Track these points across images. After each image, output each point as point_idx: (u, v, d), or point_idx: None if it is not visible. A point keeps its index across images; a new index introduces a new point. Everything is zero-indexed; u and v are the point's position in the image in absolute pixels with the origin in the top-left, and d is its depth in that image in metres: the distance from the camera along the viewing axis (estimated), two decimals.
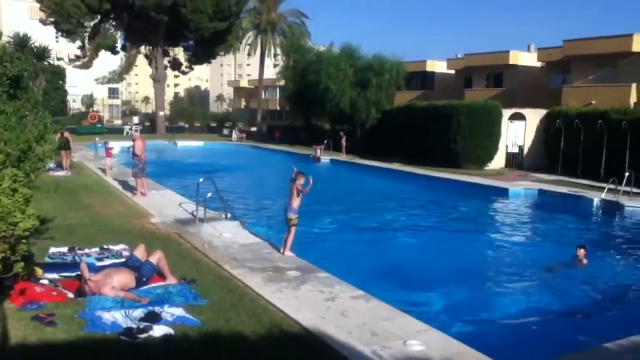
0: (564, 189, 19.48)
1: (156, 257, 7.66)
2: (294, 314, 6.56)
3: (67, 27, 43.78)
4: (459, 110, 25.84)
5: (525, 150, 26.92)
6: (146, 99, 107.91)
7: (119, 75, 55.93)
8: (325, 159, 29.99)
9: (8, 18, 70.56)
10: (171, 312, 6.47)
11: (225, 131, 50.53)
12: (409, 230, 14.25)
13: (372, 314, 6.68)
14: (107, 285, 6.91)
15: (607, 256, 12.08)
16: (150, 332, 5.88)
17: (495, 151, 25.94)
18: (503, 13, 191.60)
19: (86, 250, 9.05)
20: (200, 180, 12.42)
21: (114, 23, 47.69)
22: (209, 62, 57.37)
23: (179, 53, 53.28)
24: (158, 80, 49.03)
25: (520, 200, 18.94)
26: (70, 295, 6.93)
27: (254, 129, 52.68)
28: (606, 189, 17.35)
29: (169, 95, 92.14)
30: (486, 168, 25.72)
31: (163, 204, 14.02)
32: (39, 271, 7.44)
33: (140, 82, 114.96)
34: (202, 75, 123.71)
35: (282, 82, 45.72)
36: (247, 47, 55.67)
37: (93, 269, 7.60)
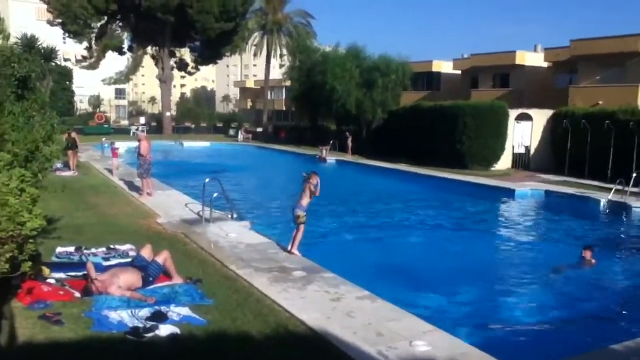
0: (570, 190, 19.40)
1: (162, 257, 7.68)
2: (299, 314, 6.56)
3: (74, 28, 44.00)
4: (465, 111, 25.77)
5: (532, 151, 26.82)
6: (152, 100, 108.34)
7: (125, 76, 56.11)
8: (331, 159, 29.97)
9: (16, 19, 70.87)
10: (177, 311, 6.49)
11: (232, 131, 50.59)
12: (415, 230, 14.24)
13: (378, 315, 6.67)
14: (113, 285, 6.94)
15: (614, 257, 12.03)
16: (157, 332, 5.90)
17: (501, 152, 25.85)
18: (509, 13, 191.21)
19: (93, 250, 9.09)
20: (207, 180, 12.44)
21: (120, 24, 47.88)
22: (215, 63, 57.49)
23: (185, 54, 53.43)
24: (164, 80, 49.17)
25: (526, 201, 18.87)
26: (77, 294, 6.97)
27: (259, 129, 52.71)
28: (613, 190, 17.26)
29: (175, 96, 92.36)
30: (492, 169, 25.64)
31: (169, 204, 14.06)
32: (46, 270, 7.48)
33: (146, 83, 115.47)
34: (208, 76, 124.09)
35: (288, 83, 45.78)
36: (253, 47, 55.79)
37: (100, 268, 7.63)
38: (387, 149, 30.60)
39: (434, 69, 44.58)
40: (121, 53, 50.40)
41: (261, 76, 68.65)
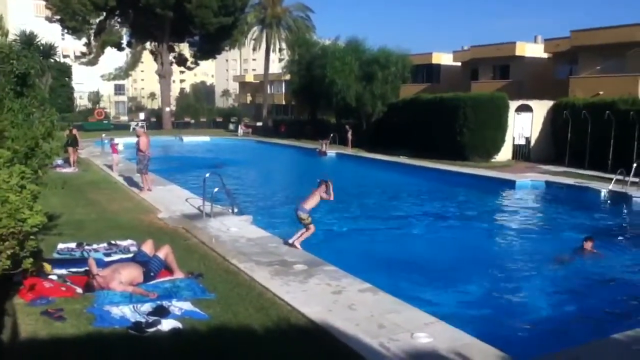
0: (571, 181, 19.39)
1: (164, 252, 7.69)
2: (301, 307, 6.58)
3: (72, 25, 43.93)
4: (466, 103, 25.71)
5: (532, 142, 26.80)
6: (152, 95, 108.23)
7: (124, 72, 56.13)
8: (331, 152, 29.98)
9: (14, 16, 70.76)
10: (179, 306, 6.50)
11: (231, 126, 50.56)
12: (415, 223, 14.26)
13: (379, 307, 6.68)
14: (115, 280, 6.96)
15: (615, 247, 12.03)
16: (159, 326, 5.91)
17: (502, 143, 25.82)
18: (509, 4, 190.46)
19: (94, 246, 9.11)
20: (207, 175, 12.45)
21: (119, 20, 47.77)
22: (215, 58, 57.49)
23: (185, 49, 53.37)
24: (164, 76, 49.11)
25: (527, 192, 18.88)
26: (79, 290, 6.98)
27: (259, 123, 52.71)
28: (614, 180, 17.26)
29: (174, 91, 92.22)
30: (493, 160, 25.61)
31: (170, 200, 14.07)
32: (47, 267, 7.49)
33: (146, 79, 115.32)
34: (207, 71, 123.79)
35: (287, 77, 45.69)
36: (253, 42, 55.69)
37: (101, 264, 7.64)
38: (387, 141, 30.58)
39: (434, 61, 44.49)
40: (120, 49, 50.30)
41: (260, 70, 68.58)
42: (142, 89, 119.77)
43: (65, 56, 64.81)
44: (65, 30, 46.59)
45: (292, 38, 47.29)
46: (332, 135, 33.04)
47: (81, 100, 72.59)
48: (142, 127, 37.40)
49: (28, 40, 47.40)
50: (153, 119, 56.04)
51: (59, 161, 19.53)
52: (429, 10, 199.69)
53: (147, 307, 6.44)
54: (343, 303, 6.80)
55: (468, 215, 15.57)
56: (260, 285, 7.42)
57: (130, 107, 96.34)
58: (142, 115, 61.62)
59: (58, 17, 44.17)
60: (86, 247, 9.01)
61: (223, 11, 43.61)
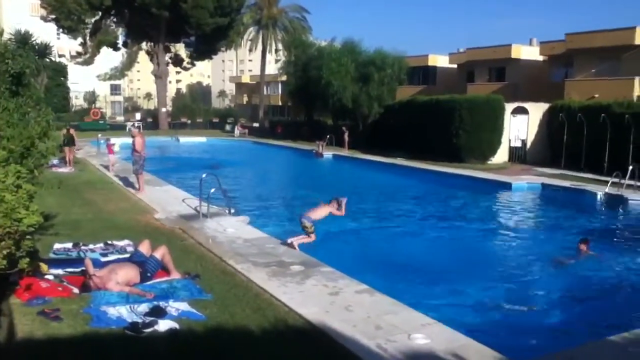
0: (567, 183, 19.45)
1: (160, 253, 7.68)
2: (298, 308, 6.57)
3: (68, 24, 43.83)
4: (462, 105, 25.78)
5: (528, 144, 26.85)
6: (148, 96, 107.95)
7: (120, 72, 56.01)
8: (327, 154, 29.99)
9: (9, 15, 70.56)
10: (176, 306, 6.49)
11: (228, 127, 50.53)
12: (412, 224, 14.27)
13: (377, 308, 6.69)
14: (111, 281, 6.94)
15: (611, 250, 12.05)
16: (156, 327, 5.89)
17: (498, 145, 25.91)
18: (505, 6, 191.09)
19: (91, 246, 9.09)
20: (204, 176, 12.44)
21: (115, 19, 47.74)
22: (211, 58, 57.47)
23: (181, 49, 53.33)
24: (160, 76, 49.06)
25: (523, 194, 18.91)
26: (76, 290, 6.96)
27: (256, 124, 52.67)
28: (610, 183, 17.30)
29: (171, 92, 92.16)
30: (489, 162, 25.68)
31: (167, 200, 14.05)
32: (44, 267, 7.47)
33: (142, 79, 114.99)
34: (204, 71, 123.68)
35: (284, 78, 45.70)
36: (249, 42, 55.71)
37: (98, 264, 7.62)
38: (383, 143, 30.61)
39: (430, 63, 44.53)
40: (116, 49, 50.28)
41: (257, 71, 68.42)
42: (139, 89, 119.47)
43: (60, 56, 64.62)
44: (61, 30, 46.49)
45: (289, 39, 47.27)
46: (328, 136, 33.05)
47: (77, 100, 72.51)
48: (138, 127, 37.32)
49: (23, 39, 47.24)
50: (149, 120, 55.91)
51: (55, 161, 19.49)
52: (425, 12, 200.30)
53: (143, 307, 6.43)
54: (340, 304, 6.80)
55: (464, 217, 15.59)
56: (257, 286, 7.41)
57: (126, 108, 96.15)
58: (138, 116, 61.58)
59: (53, 16, 44.10)
60: (83, 247, 8.98)
61: (219, 12, 43.61)
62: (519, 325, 7.61)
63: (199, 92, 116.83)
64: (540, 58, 37.28)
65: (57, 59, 59.63)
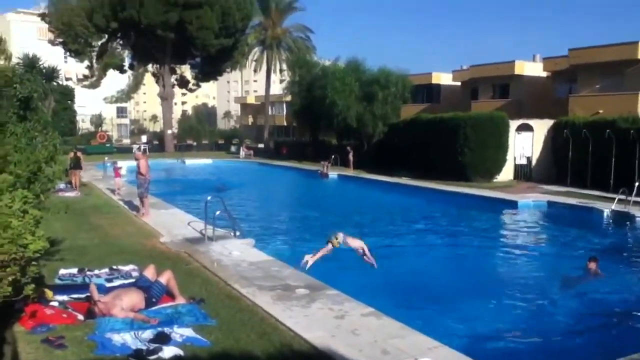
0: (573, 201, 19.35)
1: (165, 277, 7.65)
2: (304, 333, 6.52)
3: (75, 47, 44.38)
4: (466, 122, 25.78)
5: (534, 162, 26.78)
6: (154, 118, 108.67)
7: (127, 94, 56.47)
8: (332, 174, 29.99)
9: (17, 39, 71.53)
10: (181, 332, 6.45)
11: (233, 148, 50.73)
12: (418, 245, 14.18)
13: (383, 332, 6.62)
14: (116, 307, 6.90)
15: (619, 268, 11.96)
16: (160, 354, 5.85)
17: (503, 163, 25.83)
18: (507, 23, 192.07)
19: (96, 272, 9.06)
20: (209, 198, 12.44)
21: (121, 42, 48.29)
22: (216, 79, 57.83)
23: (186, 71, 53.81)
24: (165, 98, 49.42)
25: (529, 212, 18.82)
26: (80, 317, 6.92)
27: (261, 145, 52.87)
28: (616, 200, 17.18)
29: (176, 113, 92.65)
30: (495, 180, 25.58)
31: (172, 223, 14.04)
32: (49, 293, 7.44)
33: (148, 101, 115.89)
34: (209, 93, 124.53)
35: (288, 98, 45.96)
36: (253, 63, 56.15)
37: (102, 290, 7.59)
38: (388, 162, 30.59)
39: (434, 81, 44.70)
40: (122, 71, 50.76)
41: (262, 92, 68.93)
42: (145, 111, 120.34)
43: (67, 79, 65.40)
44: (68, 53, 47.12)
45: (293, 59, 47.61)
46: (333, 156, 33.11)
47: (83, 124, 73.05)
48: (143, 150, 37.56)
49: (31, 63, 47.77)
50: (155, 142, 56.22)
51: (62, 185, 19.56)
52: (428, 30, 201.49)
53: (148, 333, 6.39)
54: (346, 328, 6.74)
55: (471, 236, 15.50)
56: (263, 311, 7.36)
57: (132, 130, 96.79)
58: (144, 138, 61.87)
59: (61, 39, 44.70)
60: (88, 273, 8.96)
61: (224, 32, 44.03)
62: (527, 347, 7.52)
63: (205, 114, 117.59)
64: (544, 74, 37.33)
65: (64, 82, 60.25)
